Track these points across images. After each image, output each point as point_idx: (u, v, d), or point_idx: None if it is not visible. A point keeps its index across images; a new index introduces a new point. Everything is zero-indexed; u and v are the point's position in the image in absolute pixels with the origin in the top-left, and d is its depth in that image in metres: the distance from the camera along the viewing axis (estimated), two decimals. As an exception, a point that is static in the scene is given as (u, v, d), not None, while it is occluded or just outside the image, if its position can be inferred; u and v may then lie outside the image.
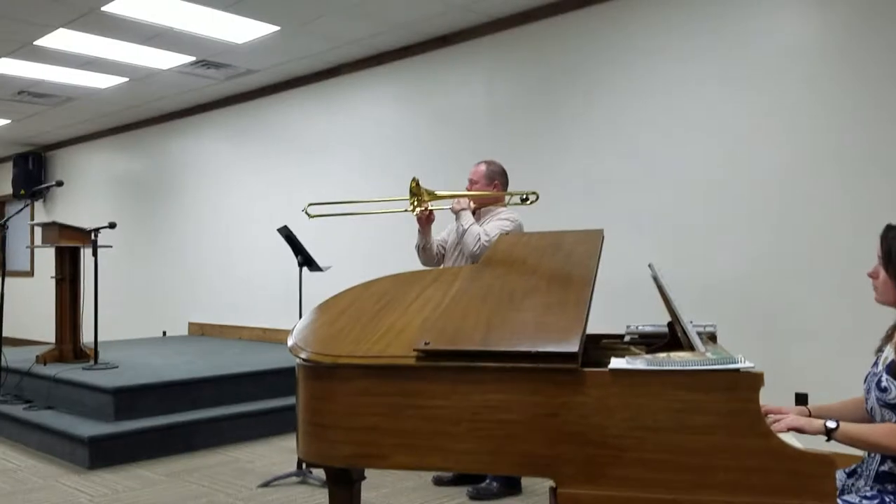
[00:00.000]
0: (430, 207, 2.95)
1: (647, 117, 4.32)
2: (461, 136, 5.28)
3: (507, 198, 3.12)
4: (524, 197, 2.98)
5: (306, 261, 4.52)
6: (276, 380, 4.54)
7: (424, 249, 3.11)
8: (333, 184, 5.92)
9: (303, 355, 1.64)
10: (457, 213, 3.01)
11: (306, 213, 2.90)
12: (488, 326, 1.58)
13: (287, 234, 4.50)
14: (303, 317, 1.87)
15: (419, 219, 3.00)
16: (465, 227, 2.92)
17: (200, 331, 7.21)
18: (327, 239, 5.80)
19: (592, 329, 1.84)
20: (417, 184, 2.91)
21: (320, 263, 4.53)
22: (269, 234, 5.16)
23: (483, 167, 3.14)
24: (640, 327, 2.07)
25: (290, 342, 1.72)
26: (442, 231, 3.26)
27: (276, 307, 6.25)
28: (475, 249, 2.85)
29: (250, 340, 6.53)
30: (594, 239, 2.14)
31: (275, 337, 6.21)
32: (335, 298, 1.95)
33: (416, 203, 2.91)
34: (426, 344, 1.52)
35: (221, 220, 7.16)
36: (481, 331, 1.57)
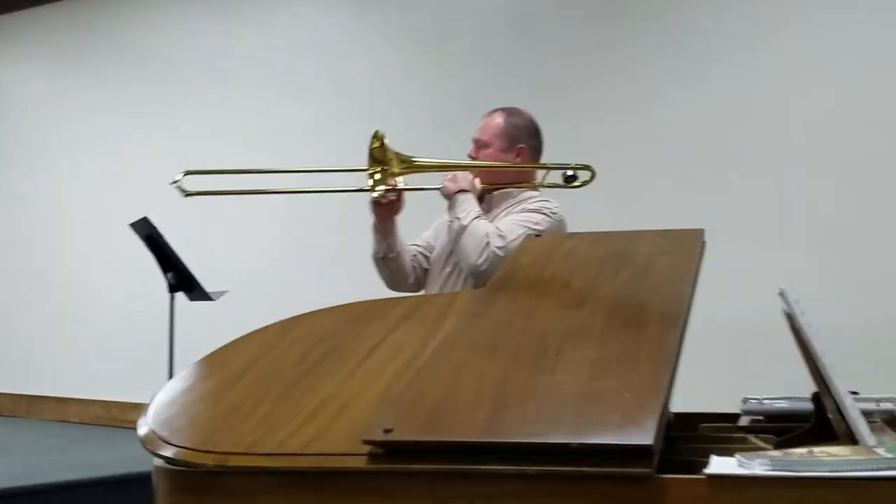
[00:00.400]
0: (400, 185, 2.99)
1: (797, 47, 4.38)
2: (459, 69, 5.32)
3: (539, 174, 3.16)
4: (569, 173, 3.02)
5: (182, 281, 4.55)
6: (126, 496, 4.54)
7: (387, 261, 3.14)
8: (233, 143, 5.96)
9: (167, 452, 1.65)
10: (450, 196, 3.05)
11: (179, 188, 2.93)
12: (499, 399, 1.60)
13: (149, 235, 4.53)
14: (171, 382, 1.89)
15: (375, 204, 3.04)
16: (465, 221, 2.95)
17: (-9, 406, 7.21)
18: (221, 243, 5.83)
19: (682, 404, 1.86)
20: (382, 143, 2.94)
21: (207, 287, 4.58)
22: (118, 232, 5.18)
23: (499, 119, 3.18)
24: (765, 402, 2.10)
25: (142, 429, 1.73)
26: (425, 230, 3.30)
27: (128, 365, 6.26)
28: (480, 262, 2.88)
29: (82, 424, 6.54)
30: (688, 246, 2.17)
31: (125, 418, 6.22)
32: (230, 350, 1.97)
33: (377, 176, 2.94)
34: (387, 431, 1.53)
35: (28, 205, 7.21)
36: (486, 407, 1.59)
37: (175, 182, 2.93)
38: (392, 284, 3.19)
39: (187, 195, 2.93)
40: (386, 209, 3.07)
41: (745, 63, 4.59)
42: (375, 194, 2.96)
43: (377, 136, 2.96)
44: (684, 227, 2.30)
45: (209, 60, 6.28)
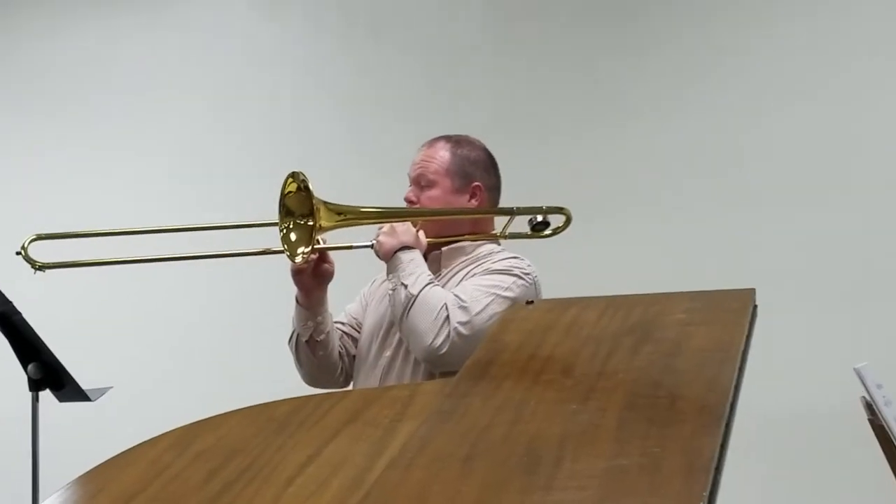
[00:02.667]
0: (321, 244, 3.00)
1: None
2: (416, 75, 5.38)
3: (500, 224, 3.19)
4: (538, 219, 3.06)
5: (49, 375, 4.49)
6: None
7: (314, 346, 3.14)
8: (112, 189, 5.96)
9: None
10: (389, 256, 3.05)
11: (27, 258, 2.92)
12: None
13: (2, 313, 4.47)
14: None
15: (297, 273, 3.05)
16: (415, 289, 2.96)
17: None
18: (101, 324, 5.79)
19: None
20: (304, 188, 2.95)
21: (83, 383, 4.53)
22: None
23: (445, 152, 3.21)
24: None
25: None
26: (350, 302, 3.31)
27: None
28: (437, 343, 2.90)
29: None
30: (734, 312, 2.18)
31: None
32: (109, 470, 1.96)
33: (293, 235, 2.95)
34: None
35: None
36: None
37: (21, 250, 2.91)
38: (315, 378, 3.20)
39: (40, 268, 2.91)
40: (313, 277, 3.07)
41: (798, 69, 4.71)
42: (298, 259, 2.96)
43: (296, 179, 2.97)
44: (722, 289, 2.31)
45: (72, 78, 6.26)
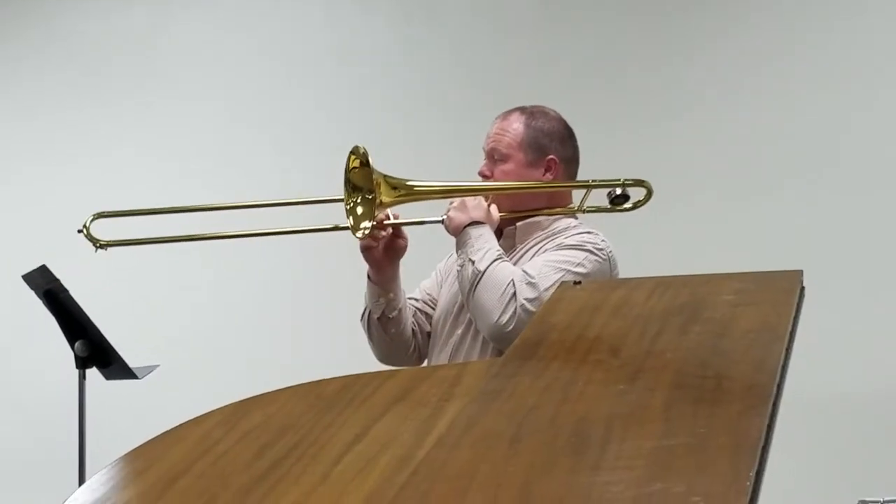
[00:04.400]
0: (392, 219, 3.00)
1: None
2: (476, 54, 5.38)
3: (577, 198, 3.17)
4: (617, 192, 3.03)
5: (96, 353, 4.53)
6: None
7: (387, 323, 3.14)
8: (167, 165, 6.01)
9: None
10: (458, 231, 3.05)
11: (89, 236, 2.95)
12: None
13: (48, 290, 4.52)
14: (77, 494, 1.89)
15: (367, 250, 3.05)
16: (482, 265, 2.95)
17: None
18: (149, 302, 5.84)
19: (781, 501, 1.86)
20: (365, 163, 2.96)
21: (130, 361, 4.57)
22: (7, 287, 5.19)
23: (518, 124, 3.19)
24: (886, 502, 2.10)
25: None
26: (425, 279, 3.30)
27: (23, 465, 6.23)
28: (504, 321, 2.88)
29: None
30: (781, 293, 2.19)
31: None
32: (157, 446, 1.98)
33: (359, 209, 2.96)
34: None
35: None
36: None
37: (83, 228, 2.94)
38: (387, 356, 3.19)
39: (100, 247, 2.94)
40: (384, 253, 3.07)
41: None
42: (359, 234, 2.97)
43: (357, 154, 2.98)
44: (772, 269, 2.31)
45: (136, 57, 6.29)
